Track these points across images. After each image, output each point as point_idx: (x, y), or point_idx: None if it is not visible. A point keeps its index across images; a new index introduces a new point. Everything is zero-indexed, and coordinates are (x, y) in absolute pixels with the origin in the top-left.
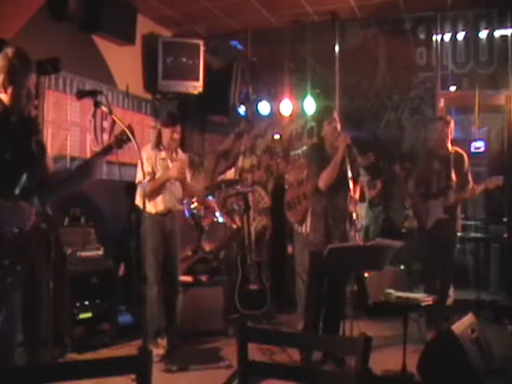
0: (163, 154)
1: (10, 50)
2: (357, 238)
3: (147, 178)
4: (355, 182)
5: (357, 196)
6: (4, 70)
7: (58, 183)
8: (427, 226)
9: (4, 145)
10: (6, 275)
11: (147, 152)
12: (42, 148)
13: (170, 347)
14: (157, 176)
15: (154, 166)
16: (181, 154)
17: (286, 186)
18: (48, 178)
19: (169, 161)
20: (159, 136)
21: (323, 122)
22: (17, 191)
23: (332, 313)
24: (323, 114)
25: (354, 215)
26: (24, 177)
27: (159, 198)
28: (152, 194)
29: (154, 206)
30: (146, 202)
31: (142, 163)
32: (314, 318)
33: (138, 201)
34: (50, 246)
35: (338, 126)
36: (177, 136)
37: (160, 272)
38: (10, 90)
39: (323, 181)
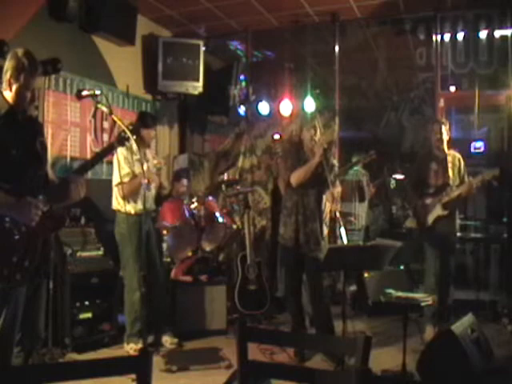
0: (137, 155)
1: (19, 50)
2: (343, 235)
3: (126, 178)
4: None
5: (336, 194)
6: (12, 68)
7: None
8: (426, 224)
9: (11, 142)
10: (14, 272)
11: (123, 153)
12: (45, 150)
13: (158, 346)
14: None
15: (132, 167)
16: (150, 153)
17: None
18: (49, 180)
19: (144, 161)
20: (139, 136)
21: (303, 128)
22: (23, 189)
23: (315, 310)
24: (303, 121)
25: (338, 213)
26: (30, 175)
27: (138, 198)
28: (131, 195)
29: (133, 207)
30: (125, 203)
31: (118, 164)
32: (295, 316)
33: (116, 203)
34: (50, 245)
35: (318, 134)
36: (153, 136)
37: (142, 274)
38: (15, 88)
39: (295, 178)
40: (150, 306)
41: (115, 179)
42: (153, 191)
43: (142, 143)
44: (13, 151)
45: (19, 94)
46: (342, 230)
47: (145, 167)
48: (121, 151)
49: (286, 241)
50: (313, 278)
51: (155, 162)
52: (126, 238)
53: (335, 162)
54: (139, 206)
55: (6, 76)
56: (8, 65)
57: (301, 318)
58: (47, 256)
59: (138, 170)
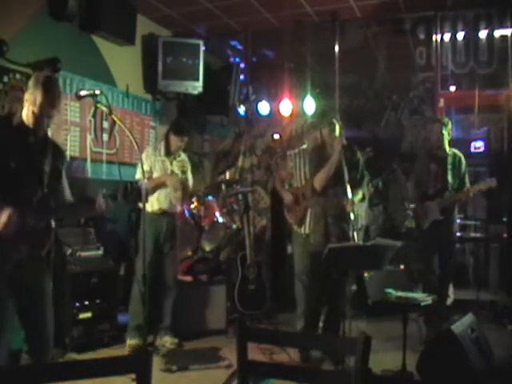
0: (163, 156)
1: (41, 75)
2: (355, 237)
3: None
4: (356, 183)
5: (357, 198)
6: (33, 94)
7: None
8: (423, 227)
9: (10, 153)
10: None
11: (147, 152)
12: (57, 175)
13: (158, 346)
14: (154, 176)
15: (153, 166)
16: (182, 156)
17: (286, 187)
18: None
19: (168, 163)
20: (167, 141)
21: (321, 128)
22: (16, 203)
23: (333, 312)
24: (319, 120)
25: (352, 215)
26: (27, 192)
27: (153, 198)
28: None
29: (149, 205)
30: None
31: (140, 161)
32: (313, 319)
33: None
34: (49, 253)
35: (337, 130)
36: (182, 145)
37: (148, 271)
38: (31, 110)
39: (317, 182)
40: (151, 305)
41: (137, 176)
42: (178, 193)
43: (168, 148)
44: (12, 164)
45: (36, 119)
46: (355, 233)
47: (168, 170)
48: (146, 149)
49: (316, 247)
50: (340, 281)
51: (182, 164)
52: (144, 232)
53: None
54: (155, 205)
55: (26, 97)
56: (30, 87)
57: (316, 325)
58: (40, 267)
59: (158, 169)
